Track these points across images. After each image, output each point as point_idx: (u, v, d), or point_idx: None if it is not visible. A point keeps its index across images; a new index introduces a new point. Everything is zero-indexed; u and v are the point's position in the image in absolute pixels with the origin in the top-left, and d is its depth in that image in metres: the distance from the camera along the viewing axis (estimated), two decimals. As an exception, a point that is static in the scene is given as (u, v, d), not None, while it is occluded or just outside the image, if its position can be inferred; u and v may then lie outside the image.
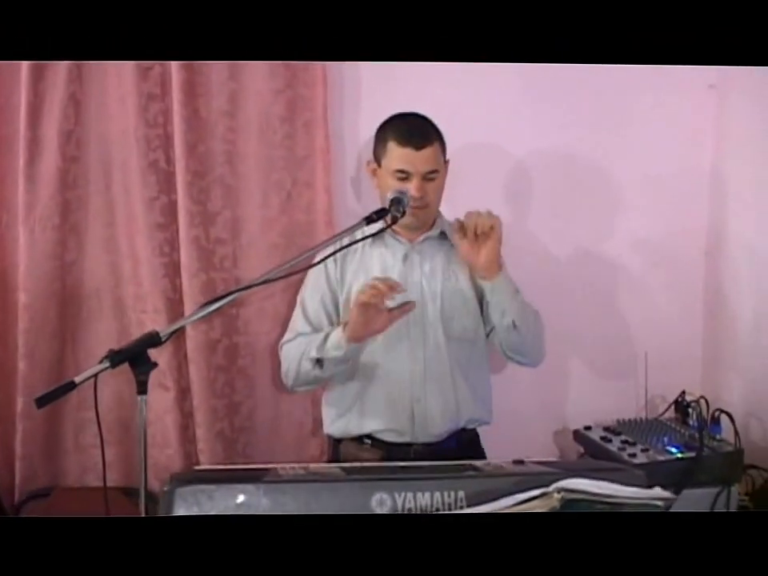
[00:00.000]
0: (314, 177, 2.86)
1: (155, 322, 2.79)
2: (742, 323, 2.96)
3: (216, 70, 2.75)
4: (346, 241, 2.35)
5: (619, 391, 3.15)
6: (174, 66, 2.68)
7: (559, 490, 1.49)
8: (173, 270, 2.81)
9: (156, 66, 2.70)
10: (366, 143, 2.90)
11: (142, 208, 2.76)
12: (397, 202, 2.28)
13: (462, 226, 2.40)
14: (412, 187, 2.40)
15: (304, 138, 2.83)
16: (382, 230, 2.33)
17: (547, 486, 1.62)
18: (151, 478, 2.82)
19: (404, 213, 2.28)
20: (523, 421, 2.98)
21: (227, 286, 2.83)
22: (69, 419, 2.85)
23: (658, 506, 1.57)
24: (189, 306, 2.80)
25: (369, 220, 2.22)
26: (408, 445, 2.49)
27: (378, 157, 2.49)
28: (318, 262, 2.32)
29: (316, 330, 2.55)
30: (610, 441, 2.60)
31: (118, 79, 2.71)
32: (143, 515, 1.98)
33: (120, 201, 2.79)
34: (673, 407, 2.80)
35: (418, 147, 2.41)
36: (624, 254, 3.11)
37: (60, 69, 2.64)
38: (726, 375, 3.01)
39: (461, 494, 1.82)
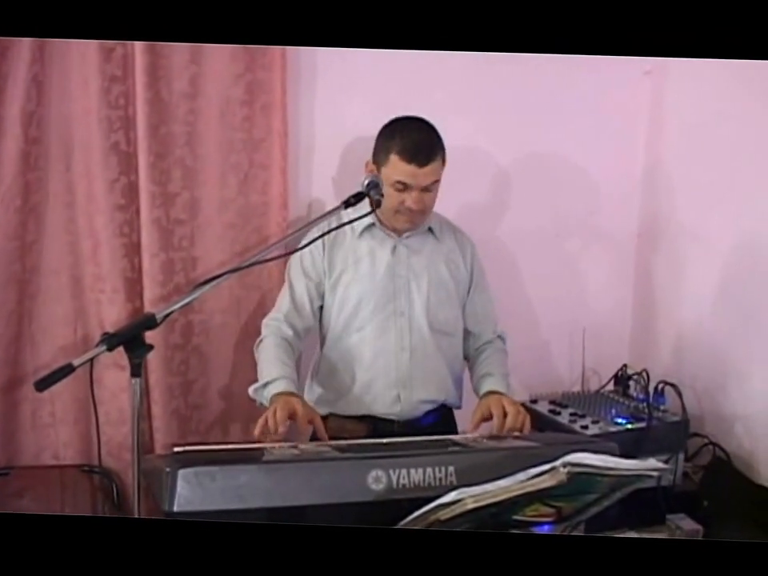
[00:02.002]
0: (270, 159, 2.91)
1: (113, 301, 2.83)
2: (669, 301, 3.15)
3: (178, 53, 2.75)
4: (333, 224, 2.42)
5: (552, 366, 3.33)
6: (138, 48, 2.68)
7: (565, 465, 1.61)
8: (132, 250, 2.82)
9: (118, 47, 2.69)
10: (321, 127, 2.99)
11: (103, 189, 2.76)
12: (374, 185, 2.28)
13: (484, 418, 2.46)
14: (410, 199, 2.46)
15: (262, 120, 2.87)
16: (367, 214, 2.34)
17: (529, 459, 1.76)
18: (105, 455, 2.90)
19: (383, 195, 2.30)
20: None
21: (185, 266, 2.89)
22: (26, 398, 2.84)
23: (653, 477, 1.72)
24: (148, 286, 2.83)
25: (347, 204, 2.25)
26: (392, 421, 2.59)
27: (378, 162, 2.50)
28: (304, 246, 2.37)
29: (299, 310, 2.61)
30: (558, 414, 2.73)
31: (80, 61, 2.69)
32: (136, 496, 1.99)
33: (81, 182, 2.77)
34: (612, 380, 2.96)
35: (422, 165, 2.43)
36: (561, 234, 3.26)
37: (23, 49, 2.60)
38: (655, 349, 3.20)
39: (450, 468, 1.93)
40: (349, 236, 2.59)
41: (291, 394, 2.41)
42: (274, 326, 2.61)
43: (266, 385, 2.47)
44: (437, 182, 2.50)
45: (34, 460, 2.89)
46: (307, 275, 2.61)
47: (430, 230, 2.66)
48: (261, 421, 2.30)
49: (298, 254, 2.57)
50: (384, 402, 2.58)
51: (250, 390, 2.55)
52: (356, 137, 2.87)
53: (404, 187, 2.46)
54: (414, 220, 2.55)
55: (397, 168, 2.44)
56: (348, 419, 2.55)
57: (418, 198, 2.47)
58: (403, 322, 2.59)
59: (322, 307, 2.65)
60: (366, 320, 2.58)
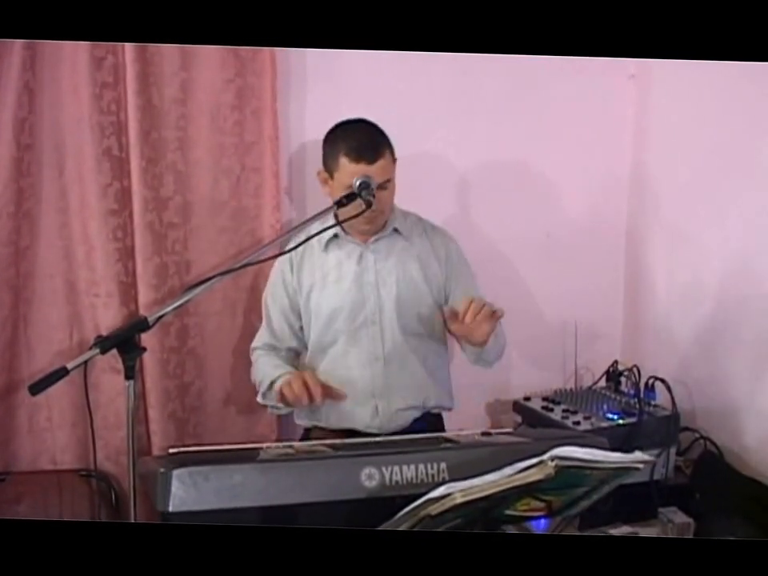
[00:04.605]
0: (261, 162, 2.94)
1: (108, 306, 2.85)
2: (659, 299, 3.18)
3: (168, 60, 2.79)
4: (300, 239, 2.40)
5: (545, 364, 3.35)
6: (128, 56, 2.71)
7: (553, 458, 1.61)
8: (126, 254, 2.84)
9: (109, 55, 2.72)
10: (311, 131, 2.99)
11: (96, 194, 2.78)
12: (365, 186, 2.30)
13: (455, 313, 2.36)
14: None
15: (253, 125, 2.90)
16: (357, 215, 2.35)
17: (519, 455, 1.77)
18: (102, 459, 2.92)
19: (374, 195, 2.32)
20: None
21: (179, 269, 2.91)
22: (22, 403, 2.86)
23: (639, 469, 1.74)
24: (142, 290, 2.85)
25: (339, 204, 2.28)
26: (374, 435, 2.56)
27: (329, 169, 2.49)
28: (289, 251, 2.42)
29: (279, 340, 2.66)
30: (551, 410, 2.75)
31: (71, 68, 2.71)
32: (132, 498, 2.02)
33: (73, 187, 2.80)
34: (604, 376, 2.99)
35: (371, 162, 2.41)
36: (552, 234, 3.29)
37: (14, 58, 2.63)
38: (646, 345, 3.23)
39: (443, 465, 1.94)
40: (316, 250, 2.58)
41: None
42: (262, 352, 2.68)
43: (271, 385, 2.51)
44: (389, 180, 2.48)
45: (31, 465, 2.90)
46: (282, 299, 2.64)
47: (396, 230, 2.63)
48: (288, 392, 2.37)
49: (270, 280, 2.63)
50: (362, 415, 2.58)
51: (258, 397, 2.60)
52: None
53: None
54: (374, 221, 2.53)
55: (347, 170, 2.42)
56: (332, 432, 2.54)
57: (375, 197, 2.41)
58: (375, 330, 2.59)
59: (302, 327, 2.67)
60: (339, 333, 2.59)
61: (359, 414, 2.58)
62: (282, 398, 2.41)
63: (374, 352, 2.59)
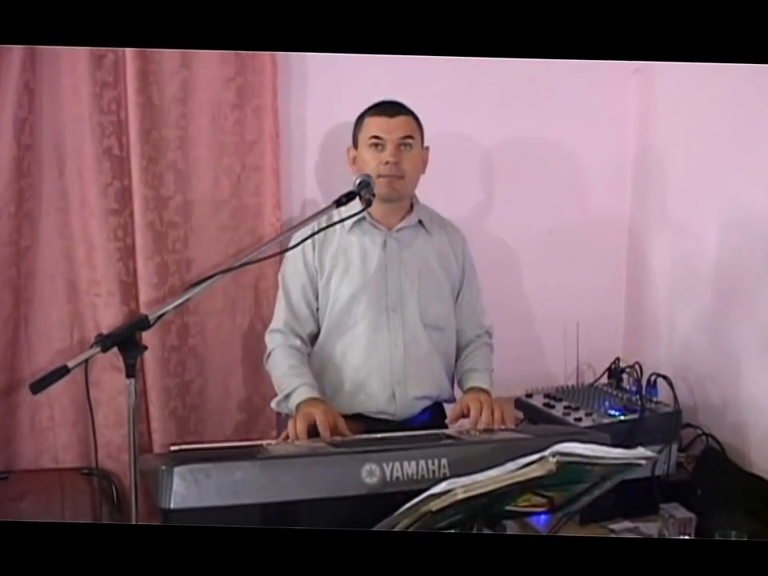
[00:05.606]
0: (262, 161, 2.94)
1: (109, 305, 2.85)
2: (660, 296, 3.18)
3: (168, 59, 2.79)
4: (322, 223, 2.45)
5: (547, 361, 3.35)
6: (128, 54, 2.71)
7: (554, 454, 1.62)
8: (126, 253, 2.84)
9: (109, 54, 2.72)
10: (312, 129, 3.02)
11: (96, 194, 2.78)
12: (365, 184, 2.31)
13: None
14: (387, 153, 2.50)
15: (253, 123, 2.91)
16: (359, 213, 2.38)
17: (520, 451, 1.77)
18: (104, 458, 2.91)
19: (374, 195, 2.33)
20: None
21: (179, 268, 2.92)
22: (24, 402, 2.86)
23: (641, 465, 1.74)
24: (143, 289, 2.85)
25: (338, 203, 2.28)
26: (386, 421, 2.58)
27: (356, 138, 2.59)
28: (294, 246, 2.41)
29: (299, 320, 2.62)
30: (553, 407, 2.73)
31: (71, 67, 2.71)
32: (134, 496, 2.01)
33: (74, 187, 2.80)
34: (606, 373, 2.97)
35: (392, 115, 2.53)
36: (554, 231, 3.28)
37: (13, 58, 2.63)
38: (648, 342, 3.23)
39: (443, 461, 1.95)
40: (339, 232, 2.59)
41: (314, 399, 2.43)
42: (278, 339, 2.61)
43: (287, 396, 2.49)
44: (411, 137, 2.54)
45: (34, 463, 2.90)
46: (302, 278, 2.61)
47: (420, 223, 2.65)
48: (283, 435, 2.34)
49: (289, 258, 2.59)
50: (379, 400, 2.58)
51: (273, 403, 2.58)
52: (347, 137, 2.88)
53: (379, 142, 2.52)
54: (394, 184, 2.54)
55: (369, 125, 2.55)
56: (344, 419, 2.51)
57: (394, 150, 2.51)
58: (396, 318, 2.59)
59: (318, 309, 2.64)
60: (359, 316, 2.58)
61: (375, 399, 2.58)
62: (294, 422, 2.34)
63: (394, 339, 2.59)
